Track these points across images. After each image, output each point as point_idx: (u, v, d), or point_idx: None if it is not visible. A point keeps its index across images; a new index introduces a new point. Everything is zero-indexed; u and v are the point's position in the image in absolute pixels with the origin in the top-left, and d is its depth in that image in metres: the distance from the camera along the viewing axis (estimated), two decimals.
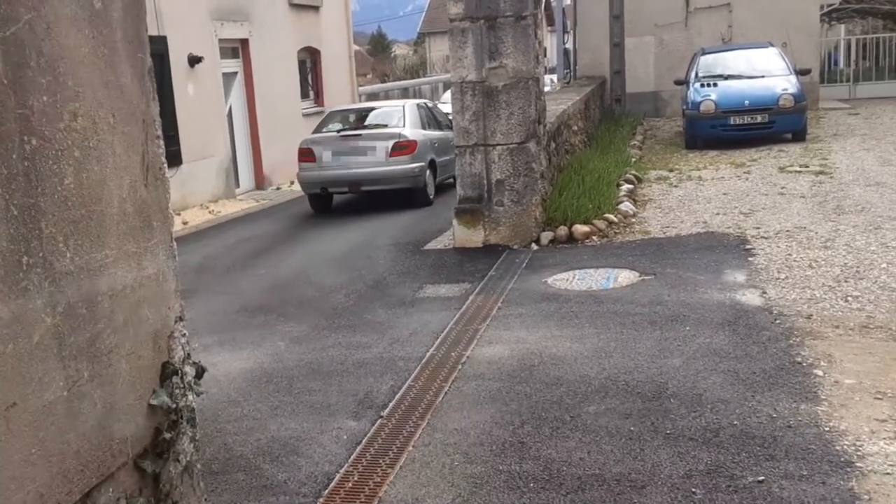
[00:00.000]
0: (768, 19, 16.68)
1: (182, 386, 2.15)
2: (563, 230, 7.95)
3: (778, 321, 5.17)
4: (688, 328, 5.20)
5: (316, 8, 16.17)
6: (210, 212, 12.10)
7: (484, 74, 7.79)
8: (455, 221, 8.07)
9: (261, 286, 7.32)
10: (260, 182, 14.35)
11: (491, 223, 7.99)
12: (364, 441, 4.02)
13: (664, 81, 17.59)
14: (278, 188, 14.41)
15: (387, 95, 23.69)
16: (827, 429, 3.71)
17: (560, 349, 5.06)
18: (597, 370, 4.65)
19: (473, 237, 8.02)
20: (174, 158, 11.99)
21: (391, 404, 4.45)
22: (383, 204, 11.63)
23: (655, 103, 18.22)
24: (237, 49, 13.94)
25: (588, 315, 5.67)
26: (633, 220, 8.45)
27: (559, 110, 10.19)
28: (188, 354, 2.22)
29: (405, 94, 25.17)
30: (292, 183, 14.70)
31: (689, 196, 9.41)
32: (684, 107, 13.32)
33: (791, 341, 4.81)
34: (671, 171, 11.17)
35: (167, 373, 2.11)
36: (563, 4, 19.38)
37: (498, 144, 7.88)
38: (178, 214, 11.72)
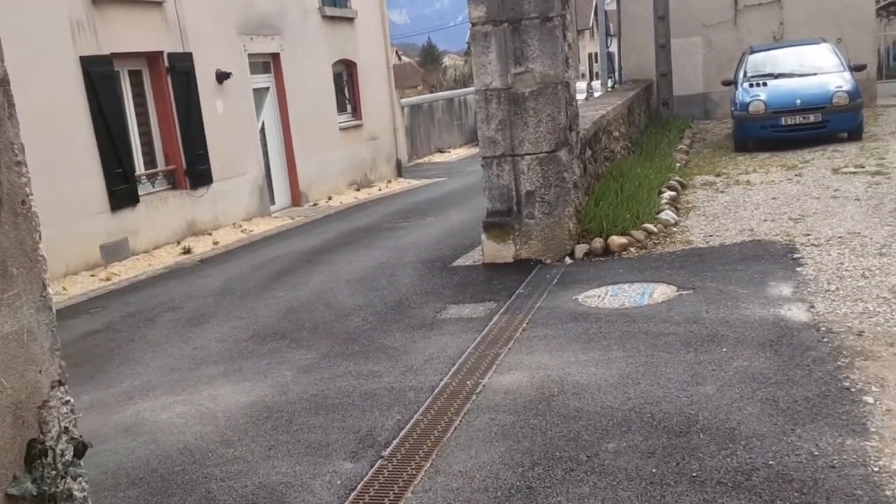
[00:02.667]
0: (821, 15, 15.89)
1: (55, 469, 1.78)
2: (598, 242, 7.49)
3: (825, 339, 4.65)
4: (725, 350, 4.70)
5: (350, 20, 15.98)
6: (242, 231, 11.93)
7: (509, 80, 7.39)
8: (483, 236, 7.68)
9: (277, 310, 7.04)
10: (296, 198, 14.16)
11: (522, 237, 7.57)
12: (359, 487, 3.66)
13: (713, 82, 16.92)
14: (315, 204, 14.22)
15: (430, 107, 23.44)
16: (876, 469, 3.21)
17: (583, 376, 4.62)
18: (621, 400, 4.20)
19: (503, 252, 7.61)
20: (204, 178, 11.89)
21: (395, 442, 4.08)
22: (414, 216, 11.32)
23: (705, 105, 17.54)
24: (268, 63, 13.80)
25: (618, 336, 5.21)
26: (675, 229, 7.93)
27: (596, 116, 9.72)
28: (66, 428, 1.85)
29: (450, 104, 24.86)
30: (329, 198, 14.52)
31: (736, 202, 8.83)
32: (733, 108, 12.69)
33: (839, 363, 4.29)
34: (718, 175, 10.58)
35: (34, 453, 1.75)
36: (606, 7, 18.83)
37: (526, 154, 7.47)
38: (210, 234, 11.60)
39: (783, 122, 12.01)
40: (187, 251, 10.65)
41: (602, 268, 7.05)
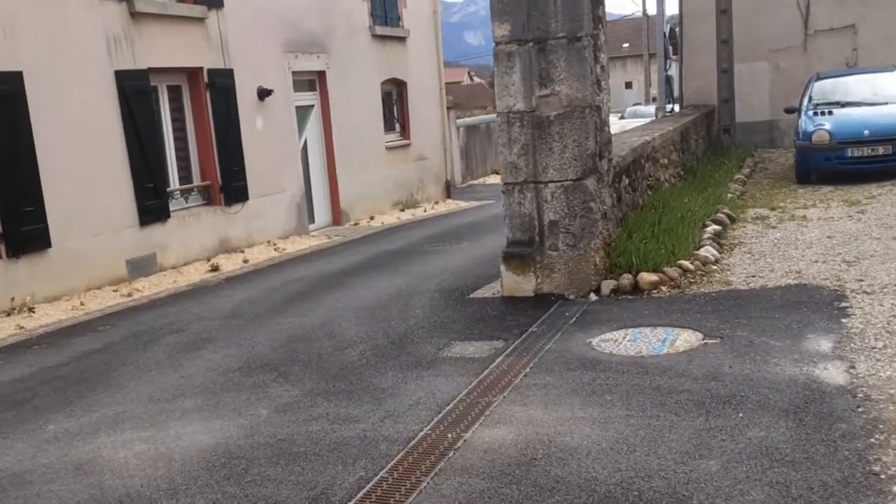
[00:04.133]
0: None
1: None
2: (626, 279, 6.90)
3: (860, 409, 3.99)
4: (741, 415, 4.09)
5: (402, 39, 15.73)
6: (275, 249, 11.69)
7: (534, 103, 6.90)
8: (503, 267, 7.17)
9: (278, 337, 6.67)
10: (337, 218, 13.90)
11: (544, 270, 7.03)
12: None
13: (780, 110, 16.03)
14: (356, 224, 13.92)
15: (487, 127, 23.06)
16: None
17: (575, 437, 4.07)
18: (609, 471, 3.64)
19: (523, 285, 7.09)
20: (240, 194, 11.72)
21: None
22: (450, 240, 10.86)
23: (770, 133, 16.64)
24: (313, 81, 13.61)
25: (624, 390, 4.64)
26: (714, 267, 7.26)
27: (638, 142, 9.12)
28: None
29: None
30: (372, 218, 14.21)
31: (787, 239, 8.10)
32: (795, 137, 11.89)
33: (872, 440, 3.64)
34: (773, 209, 9.82)
35: None
36: (665, 29, 18.12)
37: (550, 181, 6.95)
38: (242, 252, 11.39)
39: (849, 154, 11.15)
40: (215, 269, 10.44)
41: (627, 307, 6.45)
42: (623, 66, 55.43)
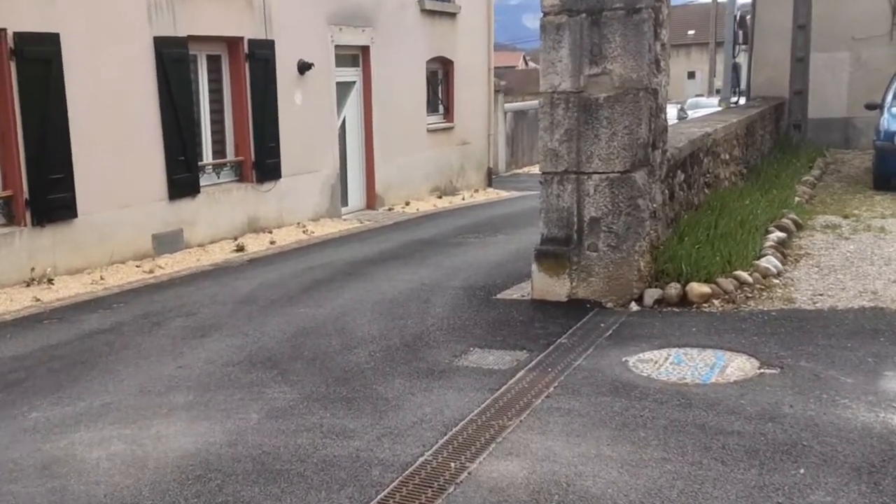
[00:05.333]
0: None
1: None
2: (674, 288, 6.11)
3: None
4: (802, 471, 3.34)
5: (452, 15, 14.97)
6: (304, 231, 11.13)
7: (582, 83, 6.14)
8: (534, 266, 6.45)
9: (287, 329, 6.08)
10: (371, 201, 13.27)
11: (580, 272, 6.29)
12: None
13: (859, 106, 14.74)
14: (390, 209, 13.29)
15: (536, 113, 22.14)
16: None
17: (599, 482, 3.37)
18: None
19: (556, 288, 6.36)
20: (272, 172, 11.18)
21: None
22: (485, 232, 10.15)
23: (846, 132, 15.38)
24: (356, 56, 12.97)
25: (662, 426, 3.90)
26: (776, 281, 6.42)
27: (698, 134, 8.27)
28: None
29: None
30: (407, 203, 13.57)
31: (862, 253, 7.19)
32: (875, 137, 10.81)
33: None
34: (846, 217, 8.86)
35: None
36: (735, 13, 16.93)
37: (594, 173, 6.19)
38: (270, 233, 10.86)
39: None
40: (240, 249, 9.93)
41: (672, 322, 5.68)
42: (687, 55, 53.54)
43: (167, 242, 9.69)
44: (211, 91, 10.64)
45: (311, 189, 11.90)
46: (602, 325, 5.70)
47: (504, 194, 15.19)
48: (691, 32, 51.93)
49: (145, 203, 9.44)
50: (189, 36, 9.79)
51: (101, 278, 8.42)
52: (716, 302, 5.99)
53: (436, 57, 14.70)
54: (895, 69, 13.42)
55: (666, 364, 4.80)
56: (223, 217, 10.47)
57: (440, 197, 14.46)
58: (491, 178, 16.27)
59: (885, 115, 10.75)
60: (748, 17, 16.36)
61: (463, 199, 14.53)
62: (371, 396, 4.56)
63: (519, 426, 4.03)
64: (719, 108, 19.69)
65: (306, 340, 5.77)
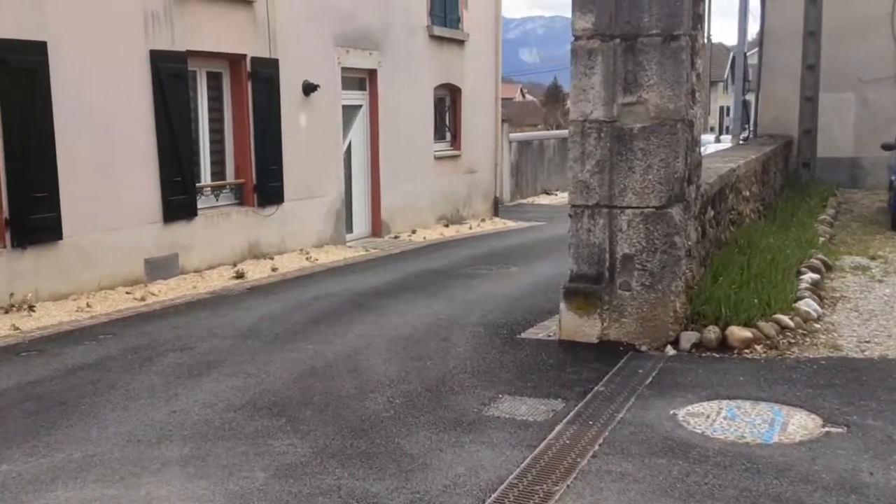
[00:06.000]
0: None
1: None
2: (713, 332, 5.73)
3: None
4: None
5: (461, 42, 14.71)
6: (307, 258, 10.70)
7: (615, 112, 5.79)
8: (563, 305, 6.05)
9: (294, 368, 5.64)
10: (376, 228, 12.88)
11: (612, 312, 5.90)
12: None
13: (865, 146, 14.71)
14: (396, 236, 12.89)
15: (541, 145, 21.99)
16: None
17: None
18: None
19: (586, 329, 5.96)
20: (275, 196, 10.77)
21: None
22: (497, 263, 9.75)
23: (852, 172, 15.24)
24: (363, 80, 12.64)
25: (733, 496, 3.50)
26: (817, 325, 6.06)
27: (724, 169, 7.94)
28: None
29: (563, 143, 23.33)
30: (413, 231, 13.18)
31: None
32: (893, 177, 10.55)
33: None
34: (873, 258, 8.54)
35: None
36: (745, 50, 16.84)
37: (628, 207, 5.82)
38: (271, 259, 10.42)
39: None
40: (240, 276, 9.48)
41: (715, 369, 5.29)
42: None
43: (161, 268, 9.22)
44: (211, 110, 10.26)
45: (314, 214, 11.49)
46: (640, 370, 5.30)
47: (511, 224, 14.82)
48: None
49: (138, 225, 8.98)
50: (188, 51, 9.41)
51: (88, 306, 7.90)
52: (758, 347, 5.61)
53: (443, 83, 14.41)
54: None
55: (719, 419, 4.39)
56: (222, 242, 10.03)
57: (447, 225, 14.08)
58: (498, 208, 15.91)
59: None
60: (756, 52, 16.22)
61: (470, 228, 14.16)
62: (394, 452, 4.12)
63: (567, 493, 3.60)
64: (721, 145, 19.48)
65: (316, 382, 5.32)
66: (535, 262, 10.12)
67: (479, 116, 15.42)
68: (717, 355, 5.57)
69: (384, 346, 6.16)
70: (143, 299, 8.30)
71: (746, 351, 5.58)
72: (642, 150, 5.74)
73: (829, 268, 7.83)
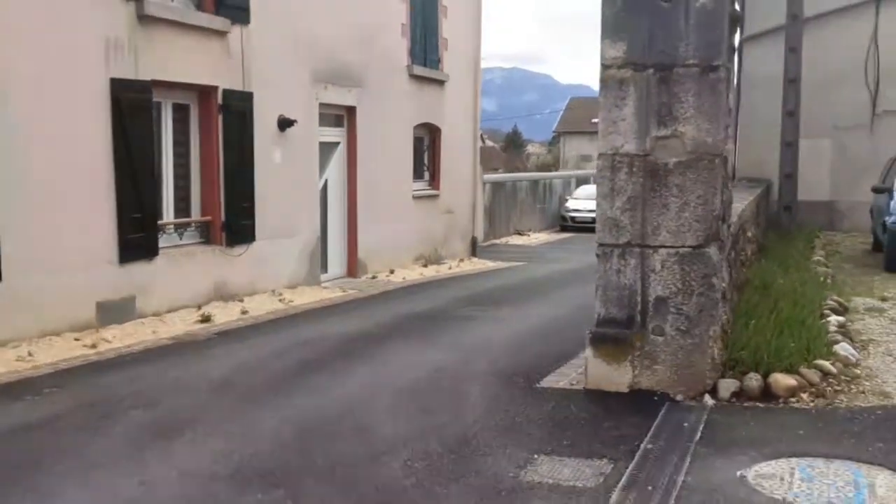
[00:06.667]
0: None
1: None
2: (754, 380, 5.27)
3: None
4: None
5: (441, 82, 14.35)
6: (281, 300, 10.01)
7: (648, 146, 5.38)
8: (590, 351, 5.55)
9: (285, 428, 4.96)
10: (352, 269, 12.26)
11: (644, 359, 5.42)
12: None
13: (841, 191, 14.81)
14: (374, 277, 12.30)
15: (514, 186, 21.79)
16: None
17: None
18: None
19: (615, 377, 5.46)
20: (245, 235, 10.08)
21: None
22: (486, 305, 9.23)
23: (830, 215, 15.29)
24: (342, 117, 12.15)
25: None
26: (857, 370, 5.66)
27: (737, 209, 7.61)
28: None
29: (534, 185, 23.25)
30: (392, 272, 12.61)
31: None
32: (888, 218, 10.44)
33: None
34: (883, 300, 8.27)
35: None
36: None
37: (662, 246, 5.38)
38: (241, 301, 9.69)
39: None
40: (206, 319, 8.66)
41: (767, 421, 4.82)
42: None
43: (115, 311, 8.35)
44: (177, 143, 9.53)
45: (287, 254, 10.83)
46: (685, 424, 4.80)
47: (491, 265, 14.35)
48: None
49: (90, 265, 8.10)
50: (153, 80, 8.78)
51: (30, 354, 6.93)
52: (804, 396, 5.18)
53: (423, 123, 14.00)
54: (875, 159, 13.51)
55: (795, 481, 3.90)
56: (184, 283, 9.23)
57: (425, 266, 13.54)
58: (476, 248, 15.46)
59: None
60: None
61: (449, 268, 13.64)
62: None
63: None
64: None
65: (315, 444, 4.66)
66: (527, 303, 9.64)
67: (457, 156, 15.03)
68: (762, 405, 5.12)
69: (387, 399, 5.54)
70: (94, 346, 7.36)
71: (792, 399, 5.14)
72: (678, 187, 5.32)
73: (845, 310, 7.50)
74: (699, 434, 4.62)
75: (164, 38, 8.86)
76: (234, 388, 5.94)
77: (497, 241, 19.11)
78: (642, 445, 4.46)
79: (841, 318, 6.77)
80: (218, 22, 9.57)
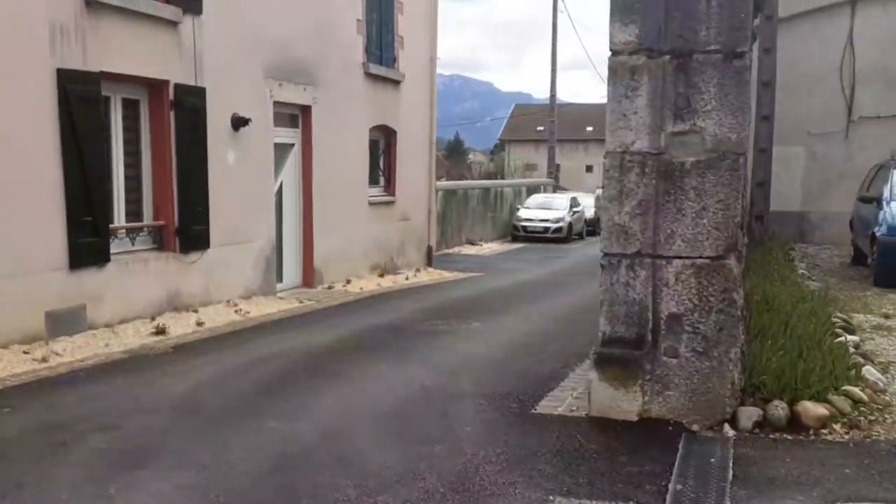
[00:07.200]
0: None
1: None
2: (780, 408, 4.72)
3: None
4: None
5: (396, 83, 13.67)
6: (237, 311, 9.19)
7: (662, 142, 4.81)
8: (595, 374, 4.93)
9: (261, 457, 4.27)
10: (308, 278, 11.47)
11: (654, 384, 4.82)
12: None
13: (814, 201, 14.52)
14: (331, 287, 11.53)
15: (465, 194, 21.23)
16: None
17: None
18: None
19: (623, 404, 4.85)
20: (200, 241, 9.27)
21: None
22: (453, 318, 8.55)
23: (801, 226, 14.98)
24: (296, 117, 11.37)
25: None
26: (886, 397, 5.17)
27: None
28: None
29: (486, 194, 22.73)
30: (348, 281, 11.86)
31: None
32: (876, 229, 10.12)
33: None
34: (887, 317, 7.90)
35: None
36: None
37: (676, 257, 4.80)
38: (195, 312, 8.88)
39: None
40: (160, 331, 7.89)
41: (802, 456, 4.26)
42: (585, 149, 54.71)
43: (65, 321, 7.54)
44: (127, 142, 8.73)
45: (242, 262, 10.01)
46: (711, 459, 4.21)
47: (448, 275, 13.68)
48: (590, 129, 53.37)
49: (37, 272, 7.34)
50: (102, 72, 7.94)
51: None
52: (836, 427, 4.63)
53: (379, 125, 13.29)
54: (850, 167, 13.28)
55: None
56: (137, 292, 8.43)
57: (381, 275, 12.81)
58: (431, 258, 14.78)
59: (886, 208, 10.09)
60: None
61: (406, 278, 12.92)
62: None
63: None
64: None
65: (297, 478, 4.00)
66: (496, 317, 9.02)
67: (413, 161, 14.36)
68: (790, 437, 4.56)
69: (370, 424, 4.85)
70: (44, 360, 6.68)
71: (824, 431, 4.60)
72: (695, 190, 4.75)
73: (853, 328, 7.06)
74: (731, 472, 4.04)
75: (112, 26, 8.04)
76: (199, 409, 5.22)
77: (449, 251, 18.48)
78: (671, 486, 3.86)
79: (855, 338, 6.30)
80: (169, 11, 8.75)
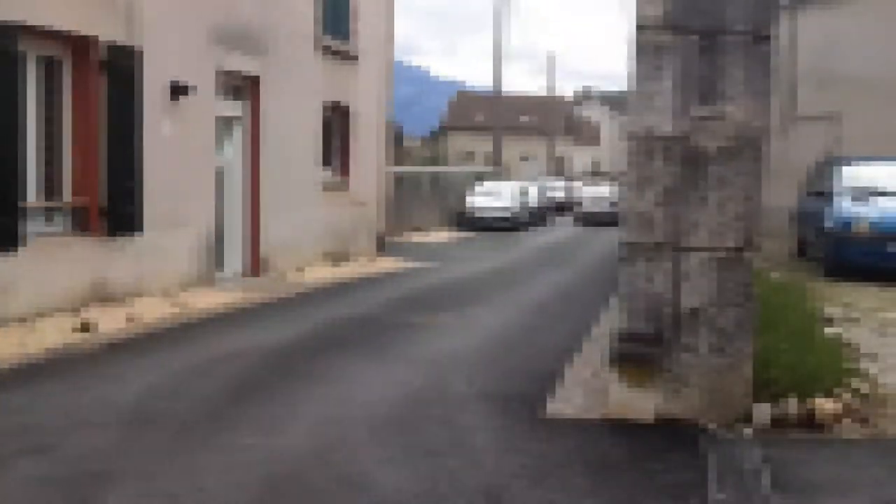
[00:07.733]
0: (884, 136, 13.79)
1: None
2: (792, 404, 4.54)
3: None
4: None
5: (352, 58, 13.08)
6: (174, 304, 8.45)
7: (687, 126, 4.53)
8: (612, 373, 4.65)
9: (244, 480, 3.74)
10: (254, 266, 10.81)
11: (672, 381, 4.57)
12: None
13: None
14: (280, 276, 10.89)
15: (416, 180, 20.92)
16: None
17: None
18: None
19: (640, 403, 4.58)
20: (129, 222, 8.50)
21: None
22: (422, 310, 8.16)
23: None
24: (242, 89, 10.69)
25: None
26: (882, 389, 5.07)
27: None
28: None
29: (434, 178, 22.39)
30: (300, 270, 11.26)
31: None
32: (827, 224, 10.29)
33: None
34: (846, 306, 7.92)
35: None
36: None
37: (698, 249, 4.55)
38: (126, 304, 8.11)
39: (889, 250, 9.67)
40: (86, 327, 7.04)
41: (830, 457, 4.11)
42: (521, 139, 54.83)
43: None
44: (45, 105, 7.90)
45: (179, 247, 9.26)
46: (745, 464, 3.98)
47: (404, 264, 13.16)
48: (524, 118, 53.52)
49: None
50: (18, 25, 7.13)
51: None
52: (848, 422, 4.49)
53: (333, 103, 12.71)
54: (786, 164, 13.51)
55: None
56: (57, 280, 7.63)
57: (335, 264, 12.24)
58: (384, 246, 14.28)
59: (836, 203, 10.28)
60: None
61: (362, 267, 12.38)
62: None
63: None
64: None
65: None
66: (467, 309, 8.66)
67: (366, 143, 13.84)
68: (807, 434, 4.41)
69: (367, 435, 4.40)
70: None
71: (837, 427, 4.45)
72: (719, 177, 4.51)
73: (830, 320, 7.02)
74: (768, 478, 3.82)
75: None
76: (153, 420, 4.60)
77: (398, 239, 17.98)
78: (710, 495, 3.61)
79: (838, 330, 6.23)
80: None
